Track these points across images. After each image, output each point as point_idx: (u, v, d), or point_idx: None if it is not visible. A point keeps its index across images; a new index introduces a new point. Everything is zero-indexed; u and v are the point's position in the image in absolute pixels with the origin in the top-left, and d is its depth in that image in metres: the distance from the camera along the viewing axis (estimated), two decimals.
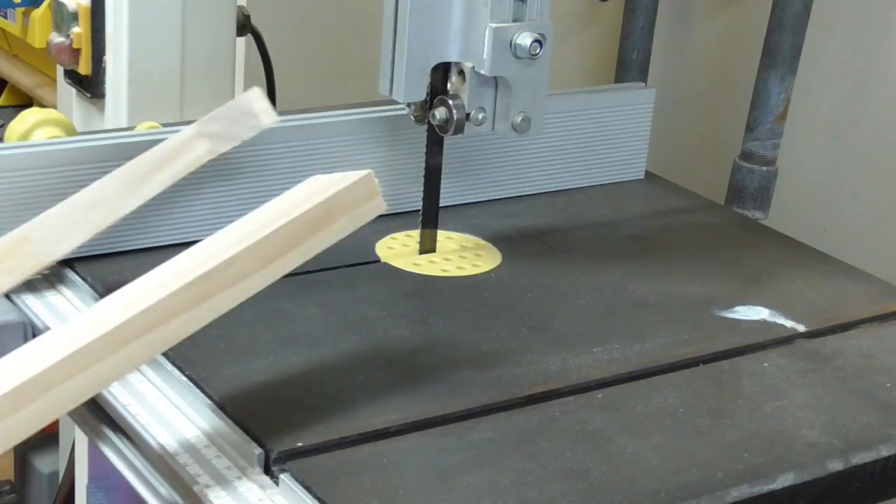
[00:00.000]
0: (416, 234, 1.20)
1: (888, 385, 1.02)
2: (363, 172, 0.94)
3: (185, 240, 1.11)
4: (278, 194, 1.11)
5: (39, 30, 2.04)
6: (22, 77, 2.36)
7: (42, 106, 2.11)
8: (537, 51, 1.10)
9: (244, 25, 1.41)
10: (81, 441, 1.48)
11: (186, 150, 1.09)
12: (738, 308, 1.13)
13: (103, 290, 0.95)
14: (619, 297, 1.14)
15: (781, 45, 1.49)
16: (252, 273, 0.88)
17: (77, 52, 1.35)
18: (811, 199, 1.67)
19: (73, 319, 0.91)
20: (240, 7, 1.38)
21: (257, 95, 1.09)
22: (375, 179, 0.94)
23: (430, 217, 1.19)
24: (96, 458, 1.43)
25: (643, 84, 1.54)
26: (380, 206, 0.95)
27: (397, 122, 1.24)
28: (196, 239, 1.01)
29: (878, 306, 1.15)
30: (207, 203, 1.17)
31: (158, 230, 1.15)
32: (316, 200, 0.91)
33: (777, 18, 1.49)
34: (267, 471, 0.87)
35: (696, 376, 1.02)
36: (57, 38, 1.36)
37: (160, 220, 1.15)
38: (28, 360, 0.82)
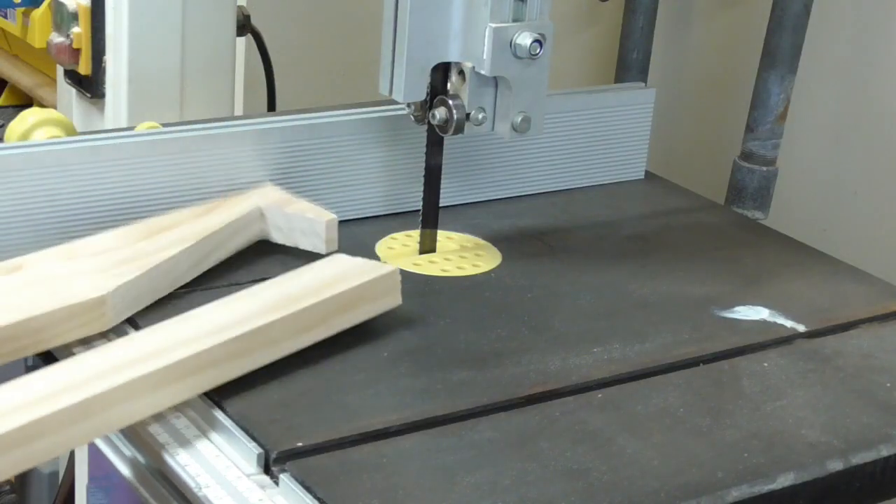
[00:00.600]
0: (416, 234, 1.20)
1: (888, 385, 1.02)
2: (389, 269, 1.05)
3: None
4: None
5: (39, 30, 2.04)
6: (22, 77, 2.36)
7: (42, 106, 2.11)
8: (537, 51, 1.10)
9: (244, 25, 1.41)
10: None
11: (246, 227, 1.14)
12: (738, 308, 1.13)
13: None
14: (619, 297, 1.14)
15: (781, 45, 1.49)
16: (284, 340, 0.97)
17: (77, 52, 1.35)
18: (811, 199, 1.67)
19: (103, 351, 0.93)
20: (240, 7, 1.38)
21: (332, 226, 1.14)
22: (399, 277, 1.06)
23: (430, 217, 1.19)
24: (96, 458, 1.43)
25: (643, 84, 1.54)
26: (398, 300, 1.06)
27: (397, 122, 1.24)
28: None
29: (878, 306, 1.15)
30: (206, 202, 1.17)
31: None
32: (345, 286, 1.02)
33: (777, 18, 1.49)
34: (267, 471, 0.87)
35: (696, 376, 1.02)
36: (57, 38, 1.36)
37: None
38: (70, 384, 0.86)
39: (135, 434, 0.91)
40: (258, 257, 1.14)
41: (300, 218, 1.14)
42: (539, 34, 1.10)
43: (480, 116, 1.12)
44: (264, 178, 1.20)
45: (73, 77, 1.38)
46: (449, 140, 1.16)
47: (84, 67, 1.35)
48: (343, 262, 1.07)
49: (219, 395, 0.92)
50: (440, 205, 1.20)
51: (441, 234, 1.21)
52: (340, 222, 1.16)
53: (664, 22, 1.69)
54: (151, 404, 0.89)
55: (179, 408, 0.93)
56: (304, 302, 0.99)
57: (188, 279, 1.08)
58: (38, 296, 0.97)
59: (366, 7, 1.55)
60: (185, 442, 0.89)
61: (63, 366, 0.90)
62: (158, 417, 0.91)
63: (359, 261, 1.07)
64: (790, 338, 1.09)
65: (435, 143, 1.17)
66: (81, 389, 0.86)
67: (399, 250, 1.20)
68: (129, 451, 0.92)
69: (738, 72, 1.66)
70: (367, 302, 1.03)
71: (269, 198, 1.16)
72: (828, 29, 1.59)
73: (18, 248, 1.06)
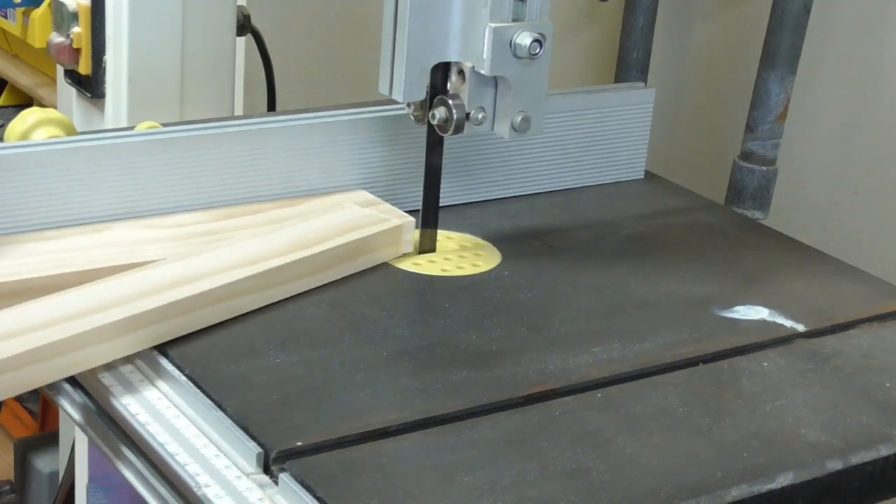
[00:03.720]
0: (416, 233, 1.20)
1: (888, 385, 1.02)
2: (401, 221, 1.17)
3: None
4: (278, 194, 1.20)
5: (39, 30, 2.04)
6: (22, 77, 2.36)
7: (42, 106, 2.11)
8: (537, 50, 1.10)
9: (244, 25, 1.41)
10: (81, 441, 1.48)
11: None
12: (737, 308, 1.13)
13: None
14: (619, 297, 1.14)
15: (781, 45, 1.49)
16: (300, 278, 1.07)
17: (77, 51, 1.35)
18: (811, 199, 1.67)
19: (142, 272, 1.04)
20: (240, 7, 1.38)
21: (409, 227, 1.19)
22: (410, 227, 1.17)
23: (430, 217, 1.19)
24: (96, 458, 1.43)
25: (643, 84, 1.54)
26: (407, 249, 1.17)
27: (397, 122, 1.24)
28: None
29: (878, 306, 1.15)
30: (206, 202, 1.17)
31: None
32: (358, 235, 1.13)
33: (777, 18, 1.49)
34: (266, 470, 0.87)
35: (696, 376, 1.02)
36: (57, 38, 1.37)
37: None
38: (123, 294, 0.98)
39: (134, 433, 0.91)
40: None
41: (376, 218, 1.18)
42: (539, 34, 1.10)
43: (480, 116, 1.12)
44: (264, 178, 1.20)
45: (73, 77, 1.38)
46: (449, 140, 1.16)
47: (84, 67, 1.35)
48: (353, 210, 1.17)
49: (218, 395, 0.93)
50: (440, 204, 1.20)
51: (441, 234, 1.21)
52: None
53: (664, 22, 1.69)
54: (184, 326, 0.99)
55: (180, 407, 0.93)
56: (318, 248, 1.09)
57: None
58: (110, 254, 1.07)
59: (366, 7, 1.55)
60: (184, 441, 0.89)
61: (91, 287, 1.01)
62: (158, 417, 0.91)
63: (371, 211, 1.18)
64: (790, 337, 1.09)
65: (435, 143, 1.17)
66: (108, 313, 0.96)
67: None
68: (128, 451, 0.93)
69: (738, 72, 1.66)
70: (374, 251, 1.14)
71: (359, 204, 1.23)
72: (828, 29, 1.59)
73: None
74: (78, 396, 0.97)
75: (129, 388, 0.95)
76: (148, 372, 0.97)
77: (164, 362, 0.97)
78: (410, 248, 1.18)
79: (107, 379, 0.96)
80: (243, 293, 1.04)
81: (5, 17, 2.26)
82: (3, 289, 1.01)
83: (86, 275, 1.03)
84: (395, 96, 1.12)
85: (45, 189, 1.10)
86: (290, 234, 1.12)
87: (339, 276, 1.11)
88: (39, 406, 2.29)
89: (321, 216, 1.17)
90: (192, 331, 1.00)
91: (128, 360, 0.97)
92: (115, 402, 0.93)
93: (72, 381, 0.97)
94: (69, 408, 0.98)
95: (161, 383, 0.96)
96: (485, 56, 1.09)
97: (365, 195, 1.24)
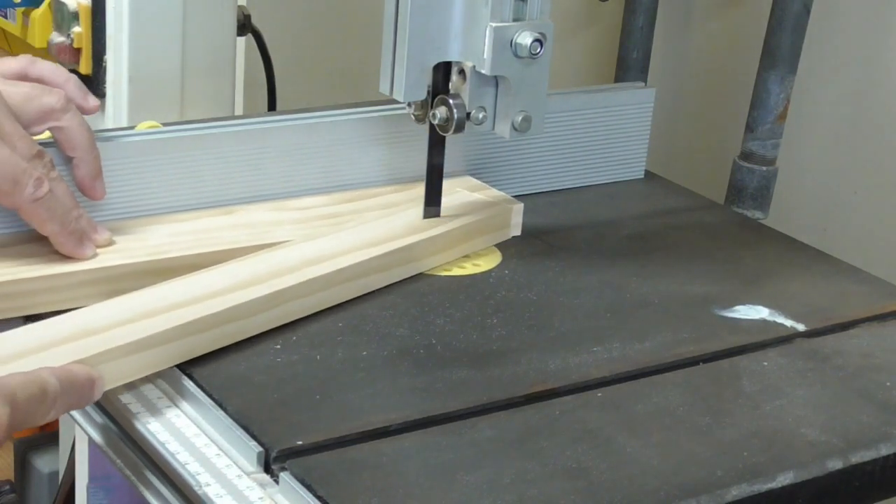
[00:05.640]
0: None
1: (888, 384, 1.02)
2: (511, 205, 1.23)
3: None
4: (278, 194, 1.20)
5: (39, 30, 2.03)
6: None
7: None
8: (538, 50, 1.10)
9: (244, 25, 1.41)
10: (81, 441, 1.48)
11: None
12: (737, 307, 1.13)
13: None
14: (619, 297, 1.14)
15: (781, 45, 1.49)
16: (420, 259, 1.14)
17: (77, 51, 1.35)
18: (811, 199, 1.67)
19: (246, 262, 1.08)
20: (240, 7, 1.39)
21: (518, 211, 1.24)
22: (519, 216, 1.23)
23: (431, 217, 1.19)
24: (96, 458, 1.43)
25: (643, 84, 1.54)
26: (509, 234, 1.23)
27: (397, 122, 1.24)
28: None
29: (878, 306, 1.15)
30: (207, 202, 1.17)
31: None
32: (474, 218, 1.19)
33: (777, 18, 1.49)
34: (267, 469, 0.87)
35: (696, 375, 1.02)
36: (57, 38, 1.37)
37: (162, 221, 1.15)
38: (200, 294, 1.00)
39: (134, 432, 0.91)
40: None
41: (483, 210, 1.22)
42: (539, 34, 1.10)
43: (481, 116, 1.12)
44: (264, 178, 1.20)
45: None
46: (449, 140, 1.16)
47: (84, 67, 1.35)
48: (464, 195, 1.24)
49: (219, 394, 0.93)
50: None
51: None
52: None
53: (664, 22, 1.69)
54: (321, 302, 1.05)
55: (180, 407, 0.93)
56: (435, 230, 1.15)
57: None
58: (244, 235, 1.13)
59: (366, 7, 1.55)
60: (185, 440, 0.89)
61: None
62: (159, 416, 0.92)
63: (481, 195, 1.24)
64: (790, 337, 1.09)
65: (436, 144, 1.17)
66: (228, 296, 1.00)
67: None
68: (128, 450, 0.93)
69: (738, 72, 1.66)
70: (486, 233, 1.20)
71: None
72: (828, 29, 1.59)
73: None
74: None
75: (130, 386, 0.95)
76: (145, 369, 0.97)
77: None
78: (518, 232, 1.23)
79: None
80: (372, 272, 1.10)
81: (5, 17, 2.26)
82: (150, 267, 1.05)
83: (224, 254, 1.08)
84: (395, 96, 1.12)
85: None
86: (409, 217, 1.18)
87: (453, 259, 1.17)
88: None
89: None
90: (329, 306, 1.06)
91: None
92: (115, 402, 0.93)
93: None
94: None
95: (161, 382, 0.96)
96: (485, 56, 1.09)
97: (472, 181, 1.28)
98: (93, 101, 1.11)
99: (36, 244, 1.06)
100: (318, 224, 1.16)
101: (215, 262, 1.06)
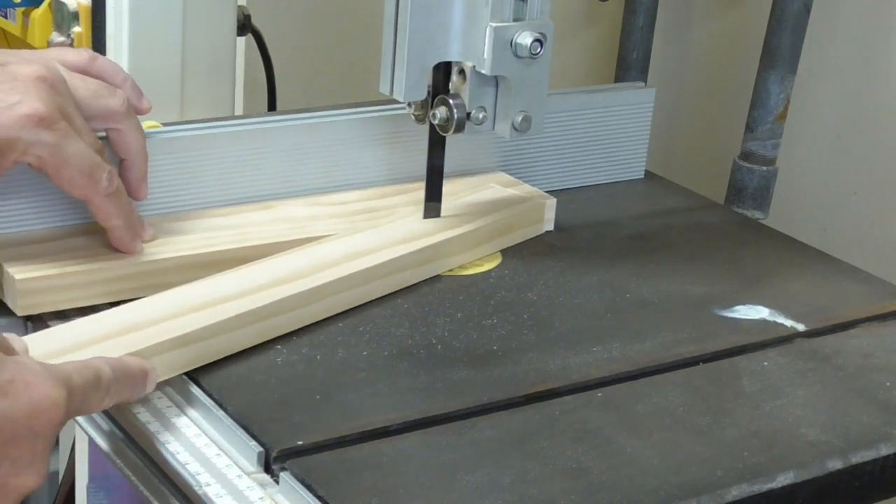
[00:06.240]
0: None
1: (888, 384, 1.02)
2: (544, 200, 1.25)
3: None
4: (278, 194, 1.21)
5: (39, 30, 2.03)
6: None
7: None
8: (538, 50, 1.10)
9: (244, 25, 1.41)
10: (81, 441, 1.48)
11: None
12: (737, 307, 1.13)
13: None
14: (619, 297, 1.14)
15: (781, 45, 1.49)
16: (456, 254, 1.16)
17: None
18: (811, 199, 1.67)
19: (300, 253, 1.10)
20: (240, 7, 1.38)
21: (551, 206, 1.26)
22: (552, 212, 1.25)
23: (431, 217, 1.19)
24: (96, 458, 1.43)
25: (643, 84, 1.54)
26: (542, 229, 1.25)
27: (397, 122, 1.24)
28: None
29: (878, 306, 1.15)
30: (207, 202, 1.17)
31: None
32: (509, 212, 1.22)
33: (777, 18, 1.49)
34: (267, 469, 0.87)
35: (696, 375, 1.02)
36: (57, 38, 1.36)
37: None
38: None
39: (135, 432, 0.91)
40: None
41: (517, 208, 1.24)
42: (539, 34, 1.10)
43: (481, 116, 1.13)
44: (263, 178, 1.20)
45: None
46: (449, 140, 1.16)
47: None
48: (498, 190, 1.26)
49: (219, 394, 0.93)
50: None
51: None
52: None
53: (664, 22, 1.69)
54: (361, 296, 1.08)
55: (180, 406, 0.93)
56: (472, 225, 1.18)
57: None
58: (284, 229, 1.15)
59: (366, 7, 1.55)
60: (185, 440, 0.89)
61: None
62: (159, 416, 0.92)
63: (510, 191, 1.26)
64: (790, 337, 1.09)
65: (437, 144, 1.17)
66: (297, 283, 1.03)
67: None
68: (128, 450, 0.93)
69: (738, 72, 1.66)
70: (521, 227, 1.23)
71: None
72: (828, 29, 1.59)
73: None
74: None
75: None
76: None
77: None
78: (551, 226, 1.26)
79: None
80: (409, 267, 1.11)
81: (5, 17, 2.25)
82: (196, 261, 1.07)
83: (267, 248, 1.10)
84: (395, 96, 1.12)
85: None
86: (447, 213, 1.20)
87: (486, 254, 1.19)
88: None
89: (468, 196, 1.24)
90: (366, 301, 1.08)
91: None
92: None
93: None
94: None
95: (161, 382, 0.95)
96: (485, 55, 1.09)
97: (504, 176, 1.30)
98: (147, 102, 1.12)
99: (77, 238, 1.08)
100: (355, 219, 1.18)
101: (259, 255, 1.08)
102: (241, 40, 1.45)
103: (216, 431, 0.90)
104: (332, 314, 1.05)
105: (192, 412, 0.92)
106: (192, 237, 1.11)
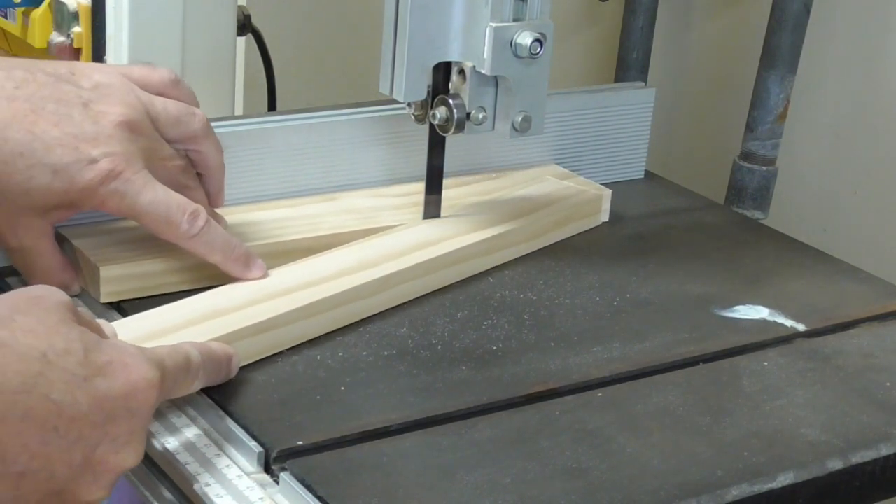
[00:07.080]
0: None
1: (888, 384, 1.02)
2: (600, 193, 1.28)
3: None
4: (278, 194, 1.21)
5: (39, 30, 2.03)
6: None
7: None
8: (538, 50, 1.10)
9: (244, 25, 1.41)
10: None
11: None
12: (737, 307, 1.13)
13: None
14: (619, 297, 1.14)
15: (781, 45, 1.49)
16: (516, 244, 1.18)
17: (77, 51, 1.36)
18: (811, 199, 1.67)
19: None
20: (240, 7, 1.38)
21: (607, 197, 1.29)
22: (608, 203, 1.28)
23: (431, 217, 1.19)
24: None
25: (643, 84, 1.54)
26: (599, 221, 1.28)
27: (397, 122, 1.24)
28: None
29: (878, 306, 1.15)
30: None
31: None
32: (568, 204, 1.24)
33: (777, 18, 1.49)
34: (267, 469, 0.87)
35: (696, 375, 1.02)
36: (57, 38, 1.37)
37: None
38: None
39: None
40: None
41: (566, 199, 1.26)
42: (539, 34, 1.10)
43: (481, 116, 1.12)
44: (263, 179, 1.20)
45: None
46: (449, 140, 1.16)
47: None
48: (554, 183, 1.29)
49: (219, 394, 0.93)
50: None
51: None
52: None
53: (664, 22, 1.69)
54: (426, 285, 1.10)
55: (180, 406, 0.93)
56: (528, 217, 1.20)
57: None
58: (352, 219, 1.18)
59: (366, 7, 1.55)
60: (185, 440, 0.89)
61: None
62: (159, 416, 0.92)
63: (566, 183, 1.29)
64: (790, 337, 1.09)
65: (436, 144, 1.17)
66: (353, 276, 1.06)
67: None
68: None
69: (738, 72, 1.66)
70: (576, 220, 1.25)
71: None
72: (828, 29, 1.59)
73: None
74: None
75: None
76: None
77: None
78: (607, 217, 1.28)
79: None
80: (472, 257, 1.14)
81: (5, 17, 2.25)
82: (270, 249, 1.09)
83: (335, 238, 1.13)
84: (395, 96, 1.12)
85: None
86: (507, 205, 1.22)
87: (544, 245, 1.21)
88: None
89: (526, 188, 1.27)
90: (430, 291, 1.11)
91: None
92: None
93: None
94: None
95: None
96: (485, 55, 1.09)
97: (558, 169, 1.33)
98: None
99: None
100: (417, 210, 1.20)
101: (329, 245, 1.11)
102: (241, 40, 1.45)
103: (216, 431, 0.90)
104: (396, 304, 1.07)
105: (192, 412, 0.92)
106: (262, 227, 1.14)
